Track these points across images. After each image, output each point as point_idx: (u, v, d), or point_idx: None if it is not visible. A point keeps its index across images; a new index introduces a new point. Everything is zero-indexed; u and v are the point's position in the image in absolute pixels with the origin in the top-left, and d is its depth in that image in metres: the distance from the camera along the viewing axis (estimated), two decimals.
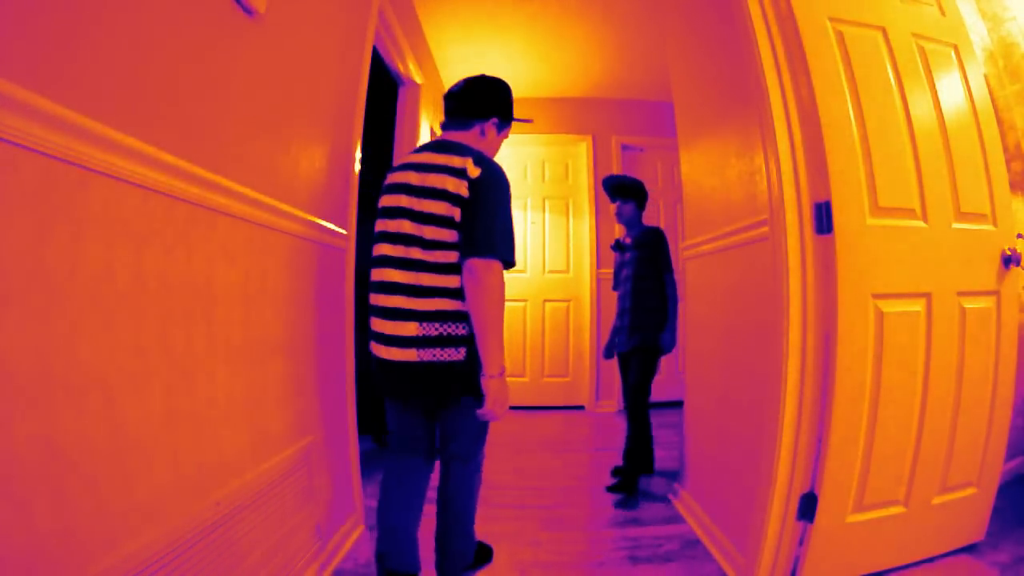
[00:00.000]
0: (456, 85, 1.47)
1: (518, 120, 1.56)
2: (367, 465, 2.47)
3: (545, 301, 4.15)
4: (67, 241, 0.73)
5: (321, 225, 1.65)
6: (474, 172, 1.28)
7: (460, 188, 1.27)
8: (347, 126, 1.92)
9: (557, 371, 4.16)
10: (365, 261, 1.57)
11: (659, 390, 3.91)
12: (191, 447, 1.01)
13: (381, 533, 1.41)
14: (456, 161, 1.30)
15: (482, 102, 1.44)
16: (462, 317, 1.29)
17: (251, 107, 1.25)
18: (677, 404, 2.80)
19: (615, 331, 2.59)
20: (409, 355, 1.29)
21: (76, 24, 0.75)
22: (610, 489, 2.35)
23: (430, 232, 1.28)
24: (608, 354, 2.65)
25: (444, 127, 1.48)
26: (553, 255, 4.18)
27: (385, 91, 3.02)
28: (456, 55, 3.50)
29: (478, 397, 1.30)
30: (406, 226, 1.31)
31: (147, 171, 0.87)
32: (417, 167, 1.34)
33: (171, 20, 0.95)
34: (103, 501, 0.79)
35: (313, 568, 1.52)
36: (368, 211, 2.66)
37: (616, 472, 2.54)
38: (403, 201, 1.33)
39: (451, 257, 1.28)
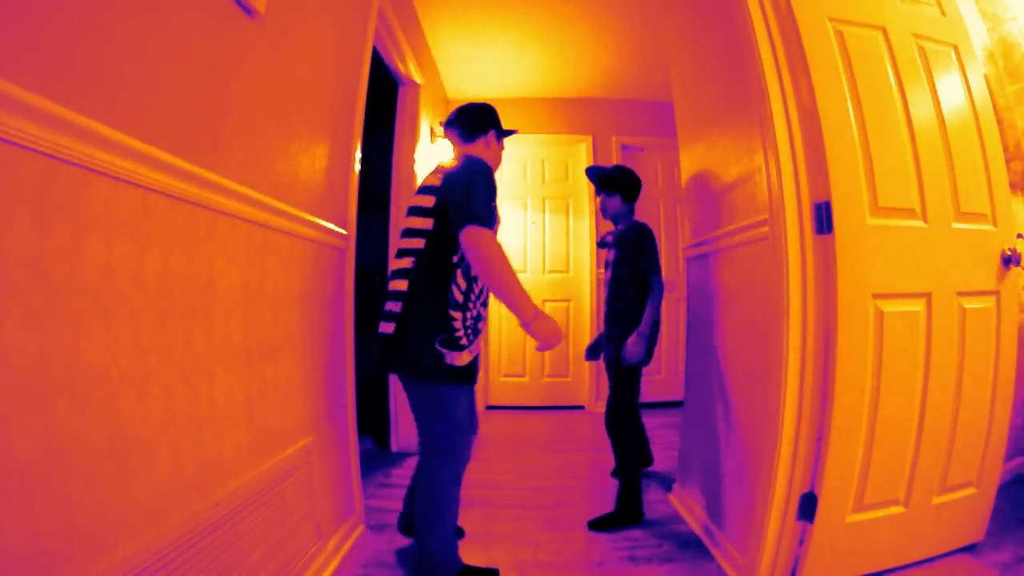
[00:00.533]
0: (452, 114, 1.75)
1: (506, 132, 1.82)
2: (367, 465, 2.47)
3: (545, 301, 4.15)
4: (67, 241, 0.73)
5: (321, 225, 1.65)
6: (448, 164, 1.54)
7: (436, 181, 1.51)
8: (347, 126, 1.92)
9: (557, 371, 4.16)
10: (365, 260, 1.67)
11: (659, 390, 3.94)
12: (191, 447, 1.01)
13: None
14: (447, 164, 1.56)
15: (478, 121, 1.72)
16: (400, 297, 1.48)
17: (251, 107, 1.25)
18: (677, 404, 2.81)
19: (600, 336, 2.35)
20: (379, 327, 1.54)
21: (76, 24, 0.75)
22: (594, 526, 1.96)
23: (409, 222, 1.54)
24: (588, 355, 2.42)
25: (455, 148, 1.75)
26: (553, 255, 4.18)
27: (385, 91, 3.01)
28: (456, 55, 3.50)
29: (415, 376, 1.46)
30: (404, 222, 1.58)
31: (147, 171, 0.87)
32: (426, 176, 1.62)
33: (171, 20, 0.95)
34: (103, 501, 0.79)
35: (313, 568, 1.52)
36: (368, 211, 2.65)
37: (614, 473, 2.52)
38: (412, 201, 1.58)
39: (414, 243, 1.50)
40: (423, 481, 1.50)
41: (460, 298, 1.47)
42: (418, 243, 1.49)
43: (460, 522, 1.89)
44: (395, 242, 2.87)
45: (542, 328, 1.43)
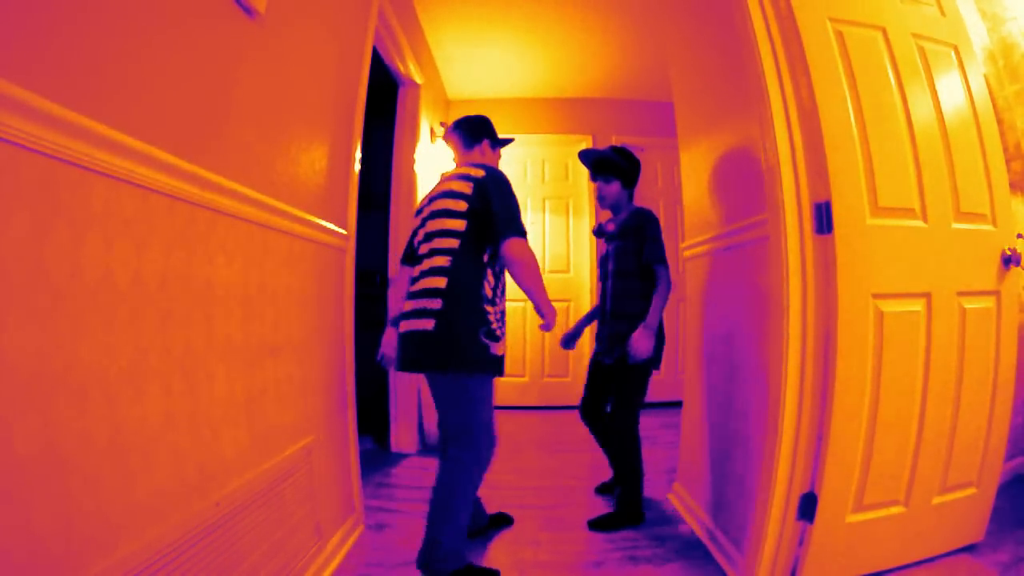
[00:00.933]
0: (450, 127, 1.88)
1: (503, 140, 1.94)
2: (367, 465, 2.47)
3: None
4: (67, 241, 0.73)
5: (321, 225, 1.65)
6: (478, 173, 1.63)
7: (465, 187, 1.61)
8: (347, 126, 1.92)
9: (557, 371, 4.16)
10: (365, 260, 1.66)
11: (659, 390, 3.93)
12: (191, 447, 1.01)
13: None
14: (466, 171, 1.67)
15: (473, 132, 1.84)
16: (438, 294, 1.53)
17: (252, 107, 1.25)
18: (677, 404, 2.80)
19: (580, 324, 2.28)
20: (404, 326, 1.60)
21: (76, 24, 0.75)
22: (594, 526, 1.95)
23: (439, 224, 1.61)
24: (564, 342, 2.27)
25: (457, 154, 1.86)
26: (553, 255, 4.18)
27: (385, 91, 3.02)
28: (456, 55, 3.50)
29: (452, 370, 1.50)
30: (428, 225, 1.65)
31: (147, 171, 0.87)
32: (443, 182, 1.73)
33: (171, 20, 0.95)
34: (103, 501, 0.79)
35: (313, 568, 1.52)
36: (368, 209, 2.65)
37: (604, 488, 2.35)
38: (434, 205, 1.66)
39: (448, 243, 1.58)
40: (448, 471, 1.54)
41: (490, 294, 1.59)
42: (452, 243, 1.58)
43: None
44: (395, 242, 2.89)
45: (552, 316, 1.65)
